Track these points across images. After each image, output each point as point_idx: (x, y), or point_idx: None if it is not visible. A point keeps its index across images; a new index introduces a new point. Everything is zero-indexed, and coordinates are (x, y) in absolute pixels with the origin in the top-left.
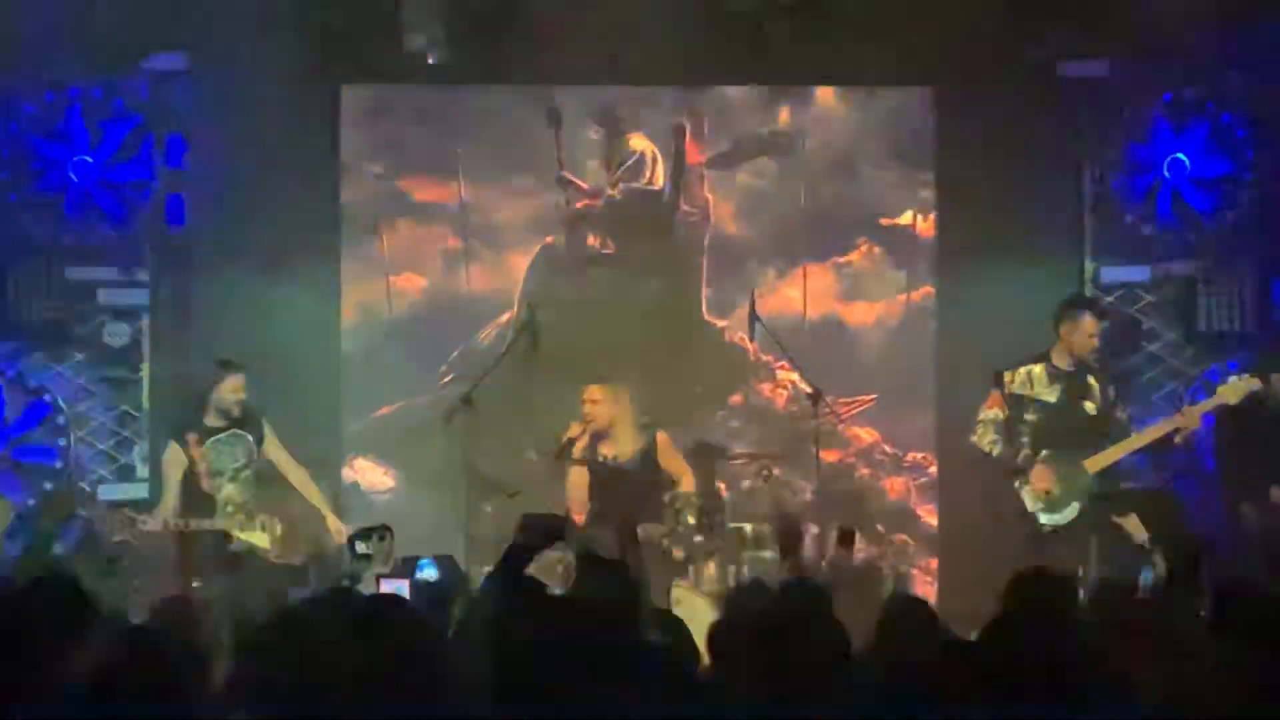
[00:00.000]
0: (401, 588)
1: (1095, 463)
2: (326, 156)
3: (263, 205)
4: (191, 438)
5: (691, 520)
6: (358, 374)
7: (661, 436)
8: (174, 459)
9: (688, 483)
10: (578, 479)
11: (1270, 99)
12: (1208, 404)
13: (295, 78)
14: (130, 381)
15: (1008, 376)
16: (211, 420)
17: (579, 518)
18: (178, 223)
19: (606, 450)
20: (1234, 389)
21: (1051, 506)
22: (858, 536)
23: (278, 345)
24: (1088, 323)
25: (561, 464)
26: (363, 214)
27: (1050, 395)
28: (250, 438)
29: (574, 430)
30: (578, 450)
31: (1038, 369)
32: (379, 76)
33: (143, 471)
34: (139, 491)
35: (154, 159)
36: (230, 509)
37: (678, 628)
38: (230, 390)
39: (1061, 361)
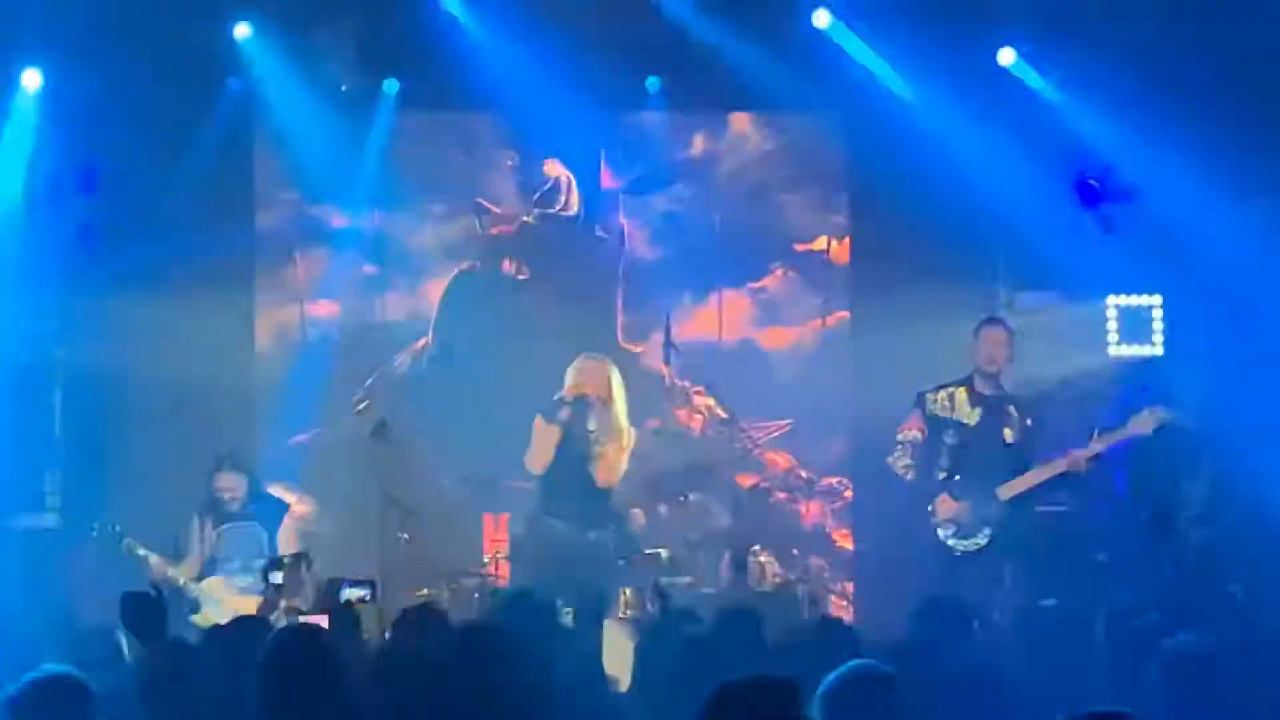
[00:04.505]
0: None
1: (1006, 490)
2: (242, 183)
3: (177, 232)
4: (207, 519)
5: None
6: (272, 401)
7: (625, 437)
8: (192, 534)
9: (610, 482)
10: (546, 437)
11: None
12: (1113, 437)
13: (210, 103)
14: (42, 409)
15: (930, 397)
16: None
17: (535, 468)
18: (90, 249)
19: (587, 421)
20: (1145, 421)
21: (961, 533)
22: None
23: (192, 372)
24: (992, 334)
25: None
26: (277, 241)
27: (970, 419)
28: (265, 532)
29: (567, 391)
30: (563, 415)
31: (960, 392)
32: (294, 102)
33: (54, 501)
34: (50, 521)
35: (66, 185)
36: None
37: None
38: (222, 490)
39: (984, 386)
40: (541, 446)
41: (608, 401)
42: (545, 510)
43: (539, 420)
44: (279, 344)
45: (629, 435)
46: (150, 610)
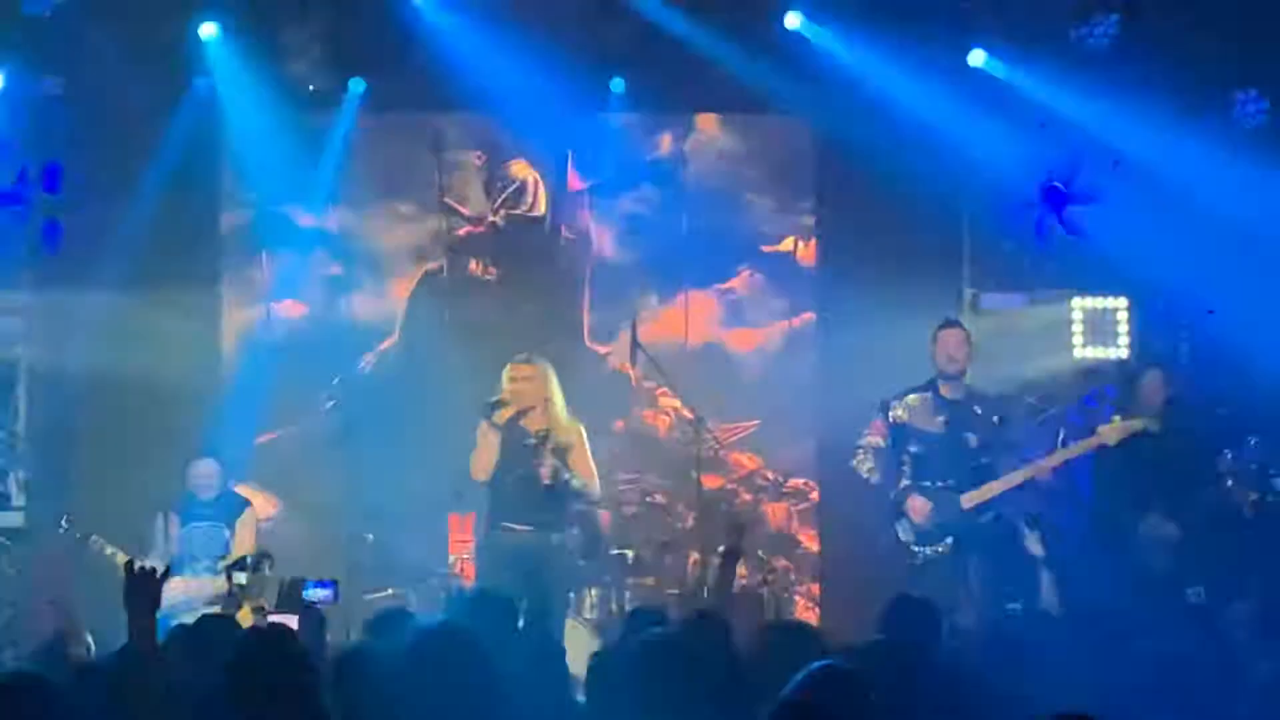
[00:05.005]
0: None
1: (969, 499)
2: (207, 182)
3: (142, 231)
4: (173, 517)
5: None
6: (238, 400)
7: (580, 433)
8: (157, 533)
9: (592, 485)
10: (488, 443)
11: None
12: (1085, 445)
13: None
14: (6, 408)
15: (893, 406)
16: (200, 501)
17: (480, 476)
18: (54, 248)
19: (531, 424)
20: (1114, 431)
21: (925, 538)
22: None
23: (158, 371)
24: (949, 335)
25: (485, 423)
26: (244, 240)
27: (934, 426)
28: (228, 531)
29: (503, 395)
30: (500, 416)
31: (924, 398)
32: (260, 102)
33: (19, 499)
34: (14, 520)
35: (30, 184)
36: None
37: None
38: (197, 476)
39: (948, 390)
40: (484, 453)
41: (547, 404)
42: (499, 516)
43: (483, 425)
44: (245, 344)
45: (579, 431)
46: (153, 586)
